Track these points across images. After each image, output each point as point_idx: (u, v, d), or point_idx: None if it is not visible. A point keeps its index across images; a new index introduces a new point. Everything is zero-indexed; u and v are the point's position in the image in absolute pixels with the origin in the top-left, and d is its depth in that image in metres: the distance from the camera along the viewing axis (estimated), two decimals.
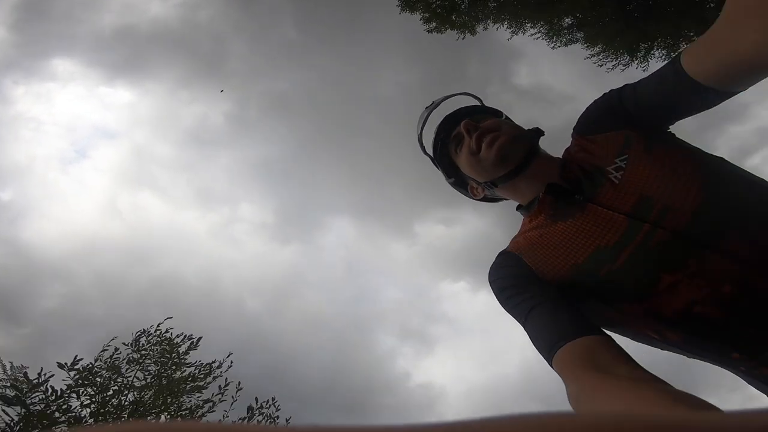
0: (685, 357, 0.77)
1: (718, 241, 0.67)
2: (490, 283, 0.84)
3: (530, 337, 0.70)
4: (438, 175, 1.05)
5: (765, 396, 0.74)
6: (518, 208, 0.91)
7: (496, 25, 7.75)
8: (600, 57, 7.57)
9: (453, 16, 7.64)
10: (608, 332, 0.69)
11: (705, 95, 0.69)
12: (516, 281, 0.78)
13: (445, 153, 0.96)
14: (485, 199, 0.99)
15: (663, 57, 7.43)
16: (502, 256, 0.86)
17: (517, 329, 0.76)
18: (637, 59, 7.48)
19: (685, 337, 0.70)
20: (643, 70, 7.48)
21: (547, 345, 0.65)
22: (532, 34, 7.69)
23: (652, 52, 7.41)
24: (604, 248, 0.73)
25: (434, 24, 7.73)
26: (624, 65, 7.55)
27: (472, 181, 0.94)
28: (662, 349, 0.78)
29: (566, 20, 7.42)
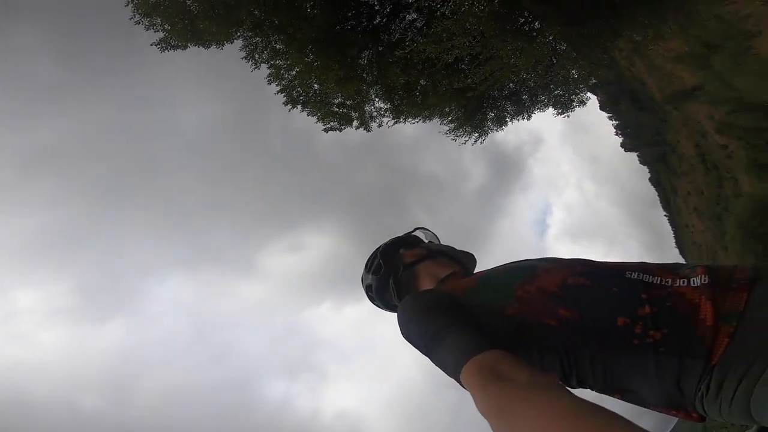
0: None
1: None
2: (411, 311, 0.94)
3: (437, 363, 0.82)
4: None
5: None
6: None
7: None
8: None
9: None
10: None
11: None
12: (439, 305, 0.92)
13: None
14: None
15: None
16: (432, 291, 1.07)
17: (393, 330, 0.93)
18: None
19: (574, 310, 0.86)
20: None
21: (452, 366, 0.75)
22: None
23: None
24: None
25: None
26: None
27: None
28: (569, 365, 0.86)
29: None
